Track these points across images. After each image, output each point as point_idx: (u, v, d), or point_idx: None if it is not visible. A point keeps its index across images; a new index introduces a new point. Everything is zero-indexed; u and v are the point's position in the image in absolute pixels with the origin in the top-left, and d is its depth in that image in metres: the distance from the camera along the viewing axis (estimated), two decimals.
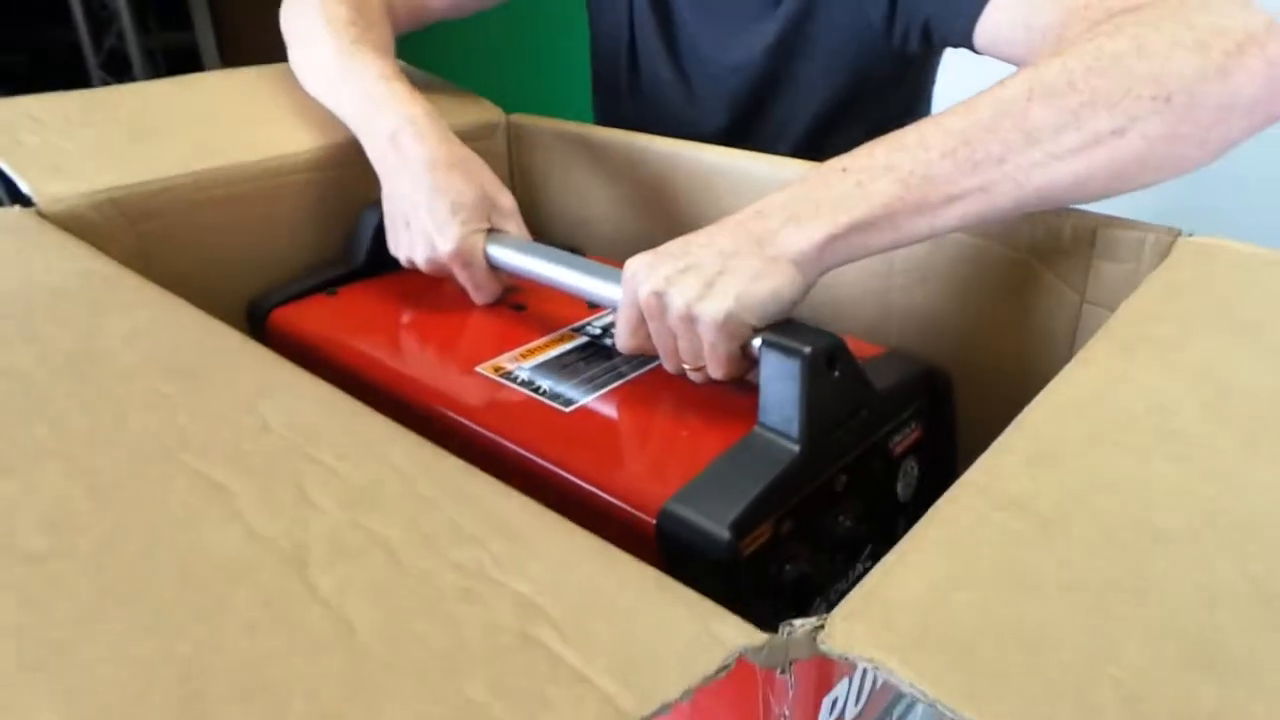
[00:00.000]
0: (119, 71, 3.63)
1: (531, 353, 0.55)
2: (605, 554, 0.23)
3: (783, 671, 0.22)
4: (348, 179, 0.68)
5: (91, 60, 3.52)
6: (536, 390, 0.50)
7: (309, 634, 0.18)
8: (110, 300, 0.37)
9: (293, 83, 0.70)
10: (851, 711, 0.26)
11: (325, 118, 0.66)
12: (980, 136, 0.44)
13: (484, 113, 0.78)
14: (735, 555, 0.39)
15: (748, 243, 0.45)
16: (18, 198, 0.55)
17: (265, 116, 0.69)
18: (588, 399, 0.49)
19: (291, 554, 0.21)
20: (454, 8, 0.80)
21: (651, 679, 0.18)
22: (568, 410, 0.49)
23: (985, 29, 0.61)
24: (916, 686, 0.19)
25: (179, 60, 3.81)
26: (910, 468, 0.53)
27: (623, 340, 0.50)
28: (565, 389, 0.50)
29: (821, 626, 0.21)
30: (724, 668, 0.19)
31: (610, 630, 0.20)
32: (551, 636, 0.19)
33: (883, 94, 0.78)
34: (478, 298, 0.60)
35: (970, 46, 0.63)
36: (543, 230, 0.80)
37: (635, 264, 0.47)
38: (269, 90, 0.72)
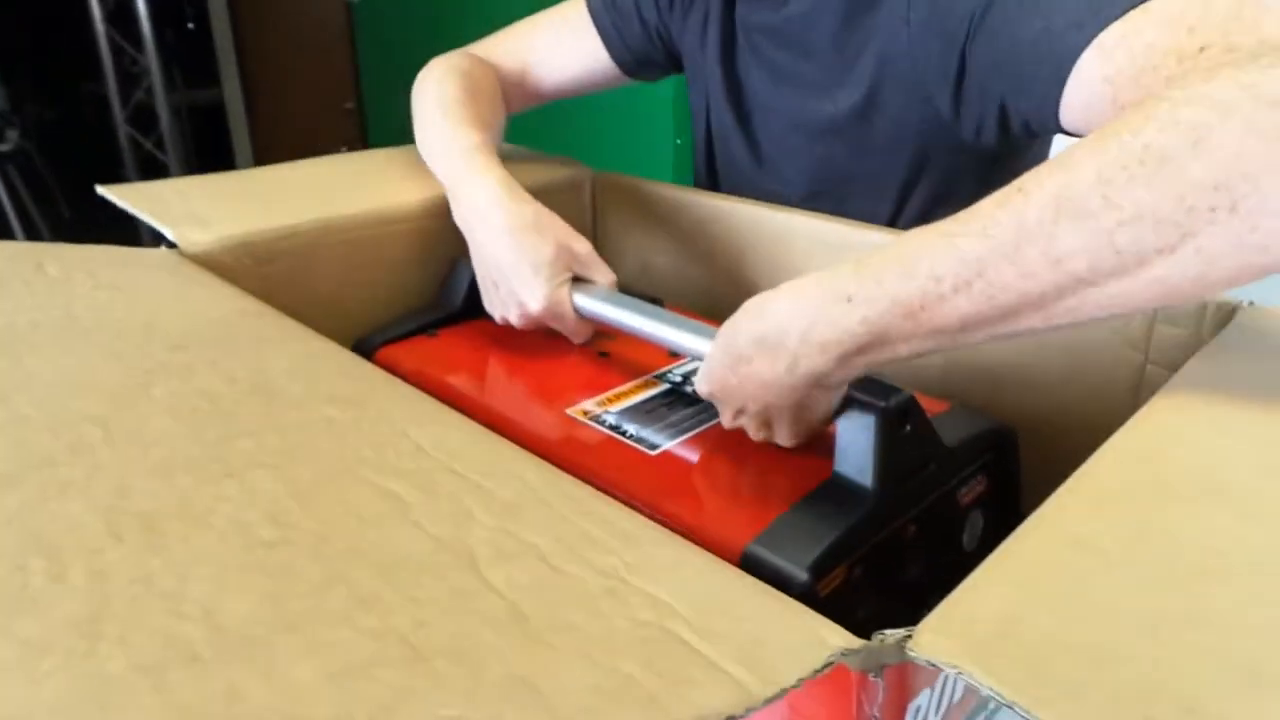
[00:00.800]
0: (145, 126, 3.68)
1: (617, 398, 0.59)
2: (718, 566, 0.27)
3: (875, 675, 0.25)
4: (445, 228, 0.73)
5: (119, 115, 3.58)
6: (623, 434, 0.54)
7: (491, 617, 0.22)
8: (264, 334, 0.43)
9: (414, 159, 0.77)
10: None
11: (430, 178, 0.73)
12: (998, 267, 0.38)
13: (572, 170, 0.84)
14: (813, 596, 0.42)
15: (773, 393, 0.46)
16: (163, 244, 0.62)
17: (380, 179, 0.75)
18: (671, 444, 0.53)
19: (463, 553, 0.25)
20: (562, 93, 0.87)
21: (771, 669, 0.22)
22: (653, 454, 0.52)
23: (1072, 113, 0.53)
24: (996, 691, 0.22)
25: (206, 117, 3.89)
26: (976, 519, 0.55)
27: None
28: (649, 433, 0.54)
29: (909, 636, 0.25)
30: (829, 664, 0.23)
31: (732, 628, 0.23)
32: (685, 630, 0.23)
33: (972, 190, 0.71)
34: (575, 340, 0.65)
35: (1062, 131, 0.56)
36: (625, 280, 0.85)
37: (703, 391, 0.51)
38: (389, 164, 0.79)
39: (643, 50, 0.86)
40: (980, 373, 0.64)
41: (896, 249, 0.42)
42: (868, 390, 0.48)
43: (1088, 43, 0.50)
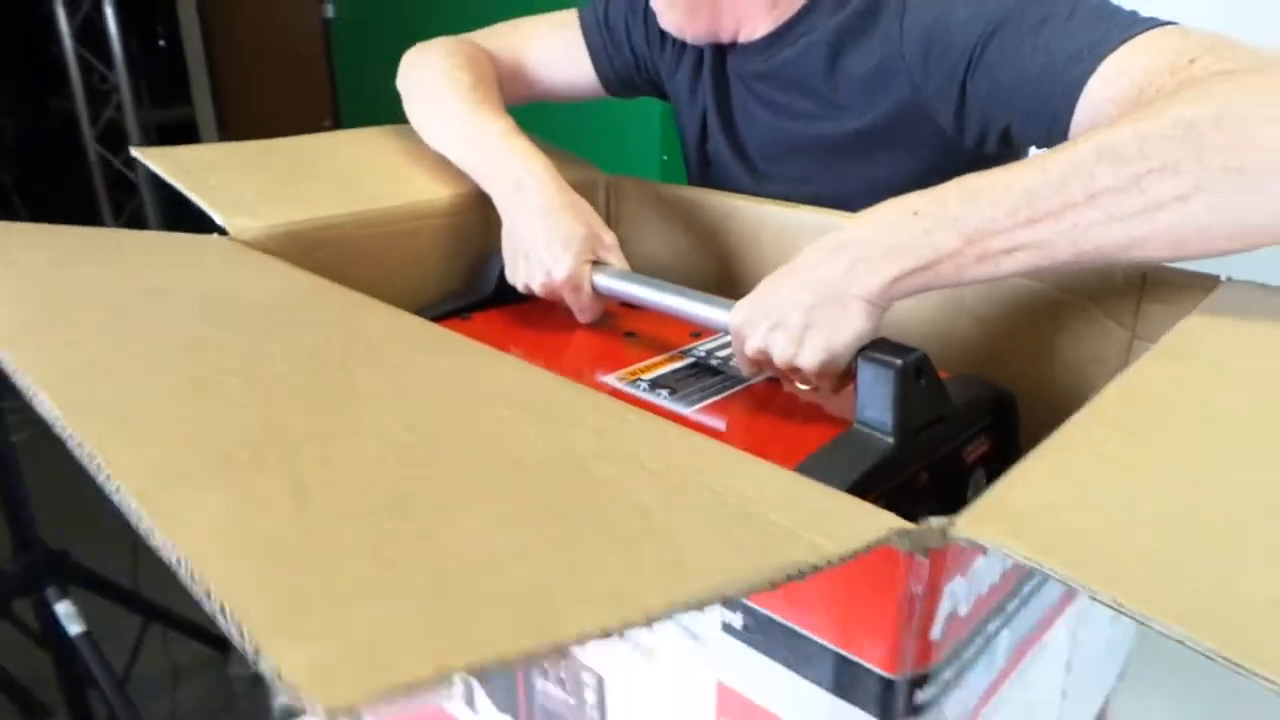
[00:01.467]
0: (115, 145, 3.58)
1: (648, 369, 0.63)
2: (784, 470, 0.31)
3: (922, 555, 0.30)
4: (471, 224, 0.78)
5: (88, 132, 3.49)
6: (658, 397, 0.59)
7: (609, 497, 0.27)
8: (344, 304, 0.47)
9: (415, 139, 0.81)
10: (963, 609, 0.34)
11: (451, 170, 0.77)
12: (1045, 195, 0.46)
13: (587, 171, 0.89)
14: None
15: (824, 292, 0.52)
16: (213, 227, 0.65)
17: (404, 168, 0.79)
18: (702, 404, 0.58)
19: (573, 459, 0.29)
20: (549, 96, 0.92)
21: (845, 538, 0.26)
22: (687, 413, 0.57)
23: (1080, 133, 0.57)
24: (1038, 561, 0.27)
25: (177, 135, 3.78)
26: (980, 478, 0.60)
27: (745, 372, 0.60)
28: (682, 396, 0.59)
29: (952, 522, 0.29)
30: (888, 537, 0.27)
31: (808, 511, 0.28)
32: (770, 511, 0.27)
33: None
34: (582, 317, 0.71)
35: None
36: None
37: (736, 320, 0.57)
38: (400, 146, 0.83)
39: (628, 75, 0.91)
40: (976, 352, 0.69)
41: (960, 181, 0.49)
42: (886, 350, 0.53)
43: (1091, 73, 0.58)
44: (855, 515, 0.29)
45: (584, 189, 0.87)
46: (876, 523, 0.28)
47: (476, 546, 0.22)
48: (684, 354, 0.66)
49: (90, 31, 3.40)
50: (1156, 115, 0.46)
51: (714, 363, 0.65)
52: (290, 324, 0.41)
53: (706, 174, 0.90)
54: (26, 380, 0.29)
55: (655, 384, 0.61)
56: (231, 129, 3.85)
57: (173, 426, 0.28)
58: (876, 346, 0.53)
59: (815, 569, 0.25)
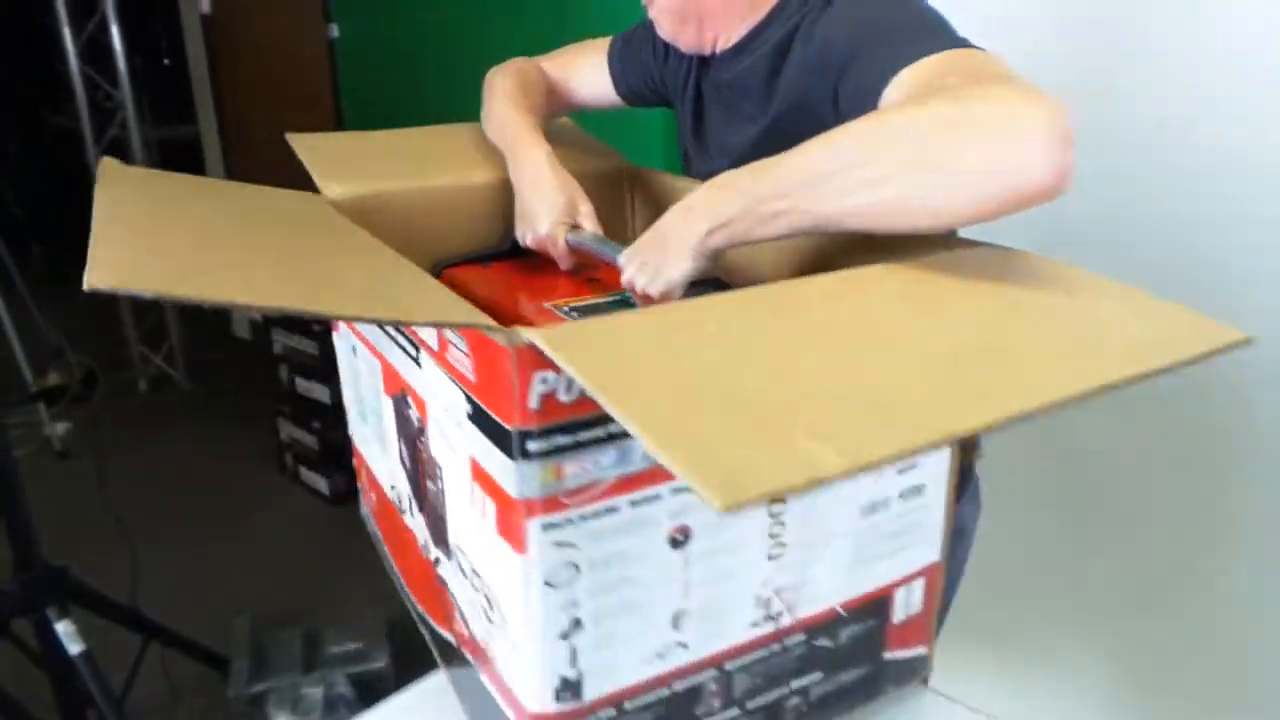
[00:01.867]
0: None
1: (582, 299, 0.86)
2: (468, 304, 0.54)
3: (510, 348, 0.51)
4: (500, 199, 1.03)
5: (92, 149, 3.50)
6: (568, 316, 0.81)
7: (350, 276, 0.51)
8: (346, 229, 0.75)
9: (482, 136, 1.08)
10: (563, 397, 0.53)
11: (497, 158, 1.02)
12: (789, 175, 0.63)
13: (615, 161, 1.12)
14: None
15: (668, 240, 0.72)
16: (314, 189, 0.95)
17: (467, 155, 1.06)
18: None
19: (348, 279, 0.53)
20: (585, 108, 1.17)
21: (447, 318, 0.49)
22: None
23: None
24: (552, 352, 0.47)
25: (180, 153, 3.77)
26: None
27: (640, 303, 0.81)
28: (585, 317, 0.81)
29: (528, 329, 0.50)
30: (477, 326, 0.49)
31: (448, 309, 0.50)
32: (424, 308, 0.50)
33: None
34: (562, 265, 0.94)
35: None
36: None
37: (622, 260, 0.78)
38: (473, 139, 1.10)
39: (638, 87, 1.12)
40: None
41: (761, 160, 0.66)
42: (709, 285, 0.72)
43: (892, 78, 0.71)
44: (471, 315, 0.51)
45: (612, 175, 1.11)
46: (476, 318, 0.50)
47: (256, 274, 0.47)
48: (618, 293, 0.88)
49: (95, 49, 3.43)
50: (878, 116, 0.62)
51: (633, 300, 0.86)
52: (305, 228, 0.69)
53: (687, 169, 1.10)
54: (97, 220, 0.57)
55: (574, 309, 0.83)
56: (235, 146, 3.79)
57: (168, 238, 0.55)
58: (705, 283, 0.73)
59: (401, 322, 0.47)
